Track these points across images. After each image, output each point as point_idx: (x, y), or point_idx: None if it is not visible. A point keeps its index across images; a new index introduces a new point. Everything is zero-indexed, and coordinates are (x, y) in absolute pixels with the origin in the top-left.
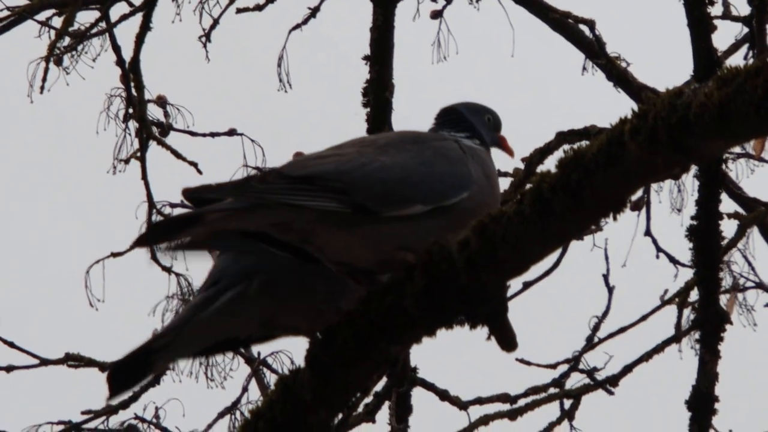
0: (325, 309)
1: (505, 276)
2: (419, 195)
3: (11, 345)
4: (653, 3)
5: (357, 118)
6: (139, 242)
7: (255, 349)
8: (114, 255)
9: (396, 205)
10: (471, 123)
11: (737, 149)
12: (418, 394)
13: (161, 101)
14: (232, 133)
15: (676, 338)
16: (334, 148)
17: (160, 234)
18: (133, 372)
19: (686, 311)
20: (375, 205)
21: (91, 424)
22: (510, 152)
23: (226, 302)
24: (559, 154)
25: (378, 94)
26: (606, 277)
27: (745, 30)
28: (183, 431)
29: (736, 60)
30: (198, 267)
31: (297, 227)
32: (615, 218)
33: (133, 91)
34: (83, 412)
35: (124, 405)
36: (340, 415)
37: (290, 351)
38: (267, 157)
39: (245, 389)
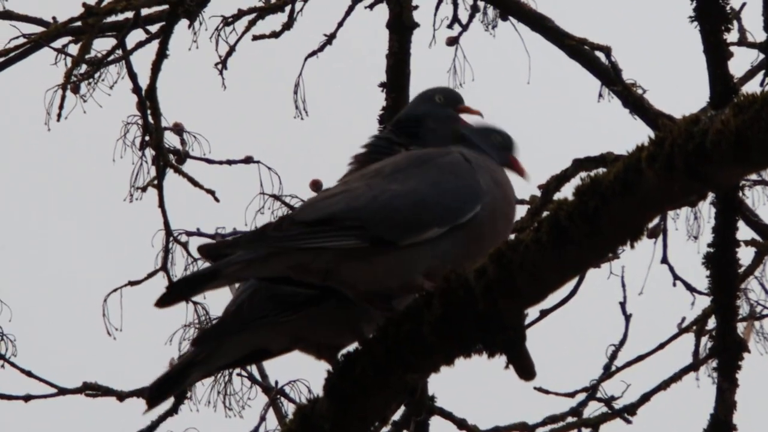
0: (353, 329)
1: (522, 304)
2: (434, 218)
3: (29, 374)
4: (669, 30)
5: None
6: (162, 302)
7: (273, 378)
8: (131, 283)
9: (412, 232)
10: (476, 145)
11: (754, 176)
12: (436, 423)
13: (178, 129)
14: (248, 160)
15: (693, 366)
16: (341, 184)
17: (181, 292)
18: (170, 384)
19: (704, 339)
20: (392, 236)
21: None
22: (521, 173)
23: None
24: (576, 181)
25: None
26: (623, 305)
27: (761, 56)
28: None
29: (753, 86)
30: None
31: (315, 267)
32: (632, 246)
33: (150, 118)
34: None
35: None
36: None
37: (308, 380)
38: (283, 185)
39: (263, 418)
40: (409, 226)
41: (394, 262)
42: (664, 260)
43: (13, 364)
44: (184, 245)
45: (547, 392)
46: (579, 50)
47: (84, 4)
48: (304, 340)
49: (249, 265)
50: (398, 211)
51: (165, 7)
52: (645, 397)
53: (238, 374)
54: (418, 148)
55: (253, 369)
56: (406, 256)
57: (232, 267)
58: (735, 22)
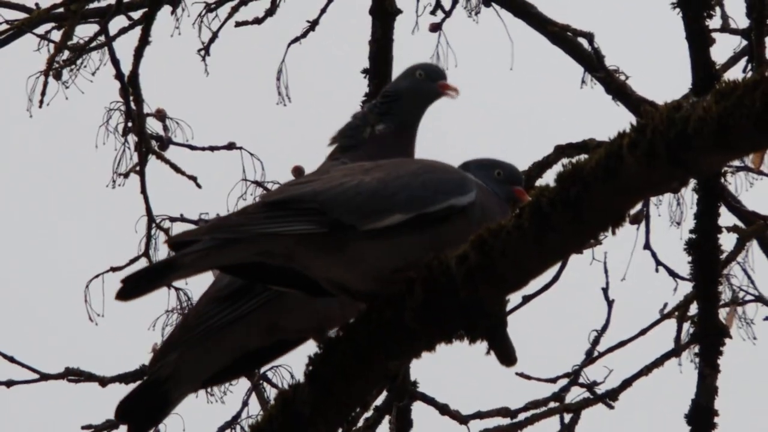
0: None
1: (504, 290)
2: (398, 203)
3: (11, 360)
4: (652, 16)
5: None
6: (120, 297)
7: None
8: (113, 269)
9: (373, 216)
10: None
11: (736, 162)
12: (418, 409)
13: (160, 115)
14: (231, 146)
15: (675, 352)
16: (320, 172)
17: (137, 287)
18: (149, 408)
19: (686, 325)
20: (351, 219)
21: None
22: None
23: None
24: (557, 167)
25: None
26: (605, 290)
27: (744, 43)
28: None
29: (735, 73)
30: (197, 282)
31: (279, 253)
32: (614, 232)
33: (132, 104)
34: (83, 427)
35: None
36: (340, 430)
37: (290, 365)
38: (266, 171)
39: (245, 404)
40: (369, 209)
41: (355, 253)
42: (647, 246)
43: None
44: (167, 231)
45: (529, 378)
46: (562, 36)
47: None
48: (280, 329)
49: (207, 253)
50: (359, 194)
51: None
52: (627, 383)
53: None
54: (388, 126)
55: None
56: (367, 247)
57: (190, 256)
58: (717, 9)
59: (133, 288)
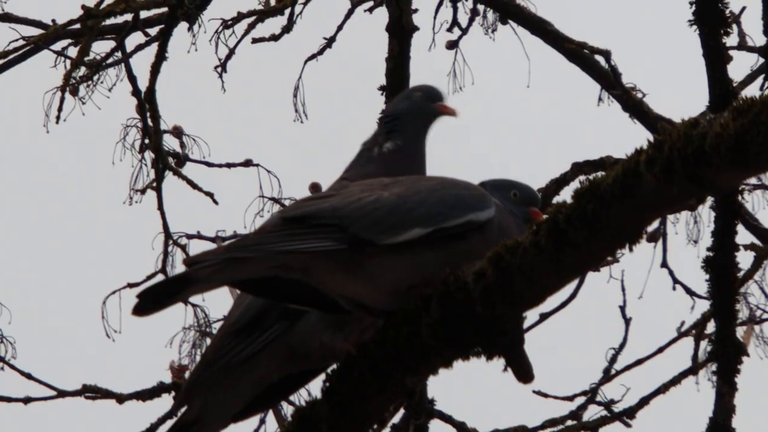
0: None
1: (521, 307)
2: (416, 218)
3: (28, 376)
4: (669, 34)
5: None
6: (136, 313)
7: None
8: (130, 286)
9: (392, 231)
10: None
11: (753, 180)
12: (435, 426)
13: (177, 131)
14: (248, 163)
15: (692, 370)
16: (340, 187)
17: (154, 302)
18: None
19: (703, 343)
20: (369, 234)
21: None
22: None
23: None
24: (575, 185)
25: None
26: (623, 308)
27: (761, 60)
28: None
29: (752, 90)
30: (215, 298)
31: (296, 268)
32: (631, 249)
33: (149, 121)
34: None
35: None
36: None
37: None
38: (283, 188)
39: (263, 421)
40: (387, 224)
41: (373, 268)
42: (664, 264)
43: (12, 367)
44: (184, 248)
45: (546, 395)
46: (578, 54)
47: (83, 7)
48: (301, 358)
49: (223, 268)
50: (378, 209)
51: (164, 9)
52: (644, 401)
53: None
54: (396, 143)
55: None
56: (385, 262)
57: (206, 270)
58: (734, 26)
59: (149, 303)
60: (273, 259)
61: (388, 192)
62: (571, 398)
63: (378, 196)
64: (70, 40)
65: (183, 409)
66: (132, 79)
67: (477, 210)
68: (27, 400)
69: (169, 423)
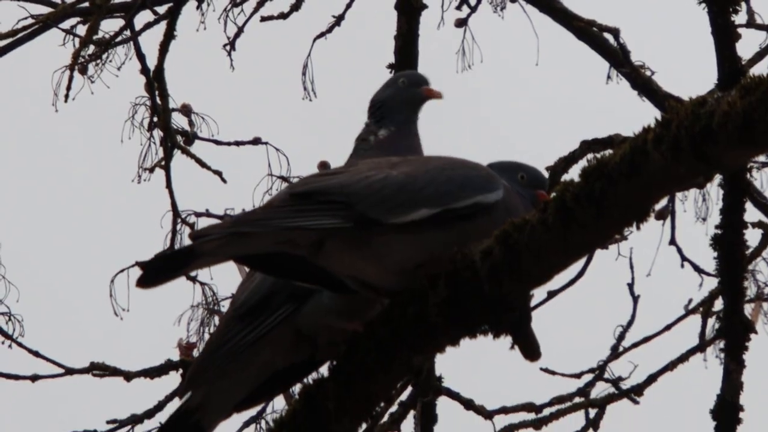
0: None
1: (528, 285)
2: (424, 198)
3: (36, 354)
4: (678, 12)
5: None
6: (141, 284)
7: None
8: (139, 264)
9: (399, 210)
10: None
11: (762, 158)
12: (443, 404)
13: (186, 110)
14: (256, 141)
15: (700, 347)
16: (349, 166)
17: (158, 275)
18: None
19: (711, 320)
20: (376, 213)
21: None
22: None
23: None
24: (583, 163)
25: None
26: (631, 286)
27: None
28: None
29: (761, 68)
30: (223, 276)
31: (302, 244)
32: (638, 227)
33: (158, 99)
34: (108, 422)
35: (150, 414)
36: (365, 425)
37: None
38: (292, 166)
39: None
40: (395, 203)
41: (380, 247)
42: (672, 242)
43: (20, 345)
44: (192, 226)
45: (554, 373)
46: (587, 32)
47: None
48: (307, 341)
49: (229, 241)
50: (386, 187)
51: None
52: (652, 378)
53: None
54: (389, 129)
55: None
56: (392, 241)
57: (212, 243)
58: (743, 4)
59: (153, 275)
60: (279, 234)
61: (396, 171)
62: (578, 375)
63: (387, 174)
64: (78, 19)
65: (187, 395)
66: (141, 57)
67: (486, 191)
68: (35, 378)
69: (176, 402)
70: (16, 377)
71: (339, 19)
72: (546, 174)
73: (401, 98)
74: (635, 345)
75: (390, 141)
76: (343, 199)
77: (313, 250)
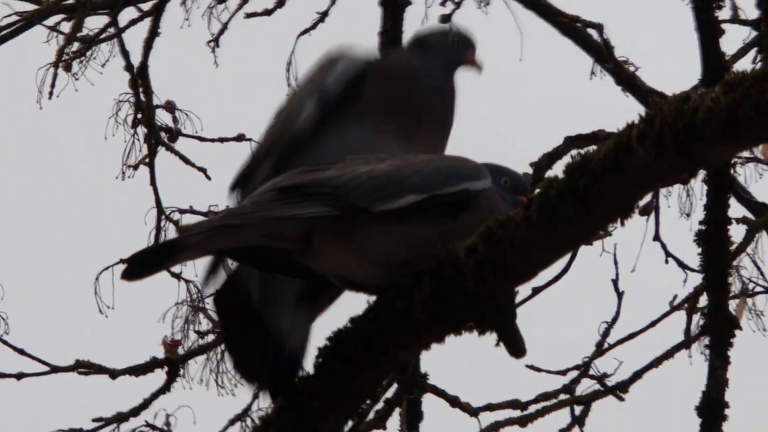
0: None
1: (513, 282)
2: (411, 186)
3: (21, 352)
4: (662, 7)
5: None
6: (125, 277)
7: None
8: (123, 261)
9: (386, 198)
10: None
11: (746, 153)
12: (428, 401)
13: (170, 106)
14: (241, 138)
15: (685, 344)
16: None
17: (142, 268)
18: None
19: (696, 317)
20: (364, 201)
21: None
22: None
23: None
24: (567, 159)
25: None
26: (615, 282)
27: (754, 34)
28: None
29: (745, 64)
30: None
31: (289, 236)
32: (623, 224)
33: (142, 96)
34: (94, 420)
35: (135, 412)
36: (350, 422)
37: None
38: None
39: (256, 396)
40: (382, 193)
41: (367, 238)
42: (657, 237)
43: (5, 342)
44: (176, 223)
45: (539, 370)
46: (571, 27)
47: None
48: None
49: (214, 234)
50: (373, 178)
51: None
52: (637, 375)
53: None
54: (424, 59)
55: None
56: (378, 232)
57: (196, 236)
58: None
59: (138, 268)
60: (267, 226)
61: (384, 165)
62: (563, 372)
63: (373, 167)
64: (63, 16)
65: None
66: (125, 54)
67: (472, 179)
68: (20, 376)
69: (162, 400)
70: (1, 375)
71: (323, 16)
72: (530, 177)
73: (444, 52)
74: (620, 341)
75: (424, 64)
76: (331, 191)
77: (300, 245)
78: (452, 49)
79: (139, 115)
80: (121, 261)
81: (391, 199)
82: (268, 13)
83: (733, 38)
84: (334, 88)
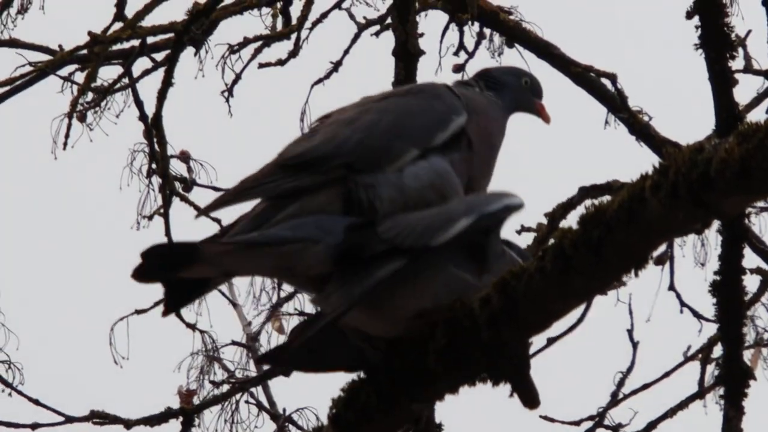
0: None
1: (527, 332)
2: (459, 212)
3: (36, 402)
4: (675, 57)
5: None
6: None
7: (280, 405)
8: (138, 312)
9: (441, 230)
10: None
11: (760, 203)
12: None
13: (184, 156)
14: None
15: (700, 394)
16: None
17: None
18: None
19: (710, 367)
20: (422, 241)
21: None
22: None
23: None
24: (581, 209)
25: None
26: (630, 332)
27: (767, 84)
28: None
29: (758, 114)
30: (222, 323)
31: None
32: (637, 274)
33: (156, 146)
34: None
35: None
36: None
37: (315, 407)
38: None
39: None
40: (435, 227)
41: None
42: (671, 287)
43: (20, 393)
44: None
45: (553, 420)
46: (585, 77)
47: (90, 33)
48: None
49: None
50: (422, 219)
51: (171, 35)
52: (652, 425)
53: (246, 402)
54: (496, 98)
55: (261, 396)
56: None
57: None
58: (740, 50)
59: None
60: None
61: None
62: (578, 423)
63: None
64: (77, 66)
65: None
66: (139, 104)
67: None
68: (35, 426)
69: None
70: (17, 425)
71: (337, 65)
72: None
73: (516, 92)
74: (635, 391)
75: (490, 107)
76: (388, 244)
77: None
78: (523, 92)
79: (154, 166)
80: (137, 312)
81: (446, 229)
82: (281, 63)
83: (746, 88)
84: (438, 142)
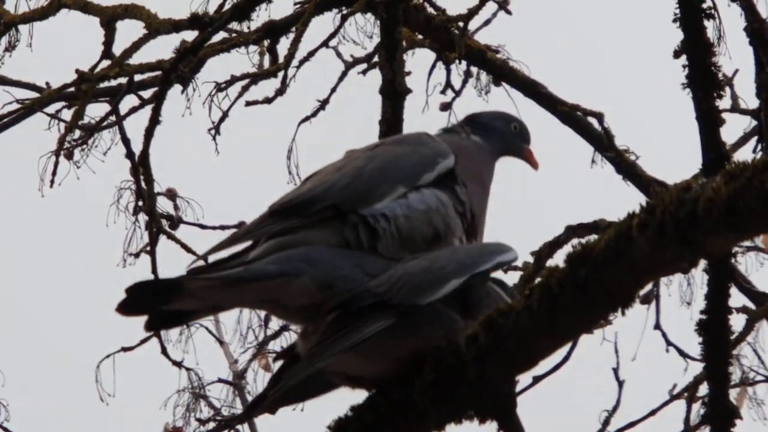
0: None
1: (514, 370)
2: (450, 272)
3: None
4: (662, 96)
5: None
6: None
7: None
8: (124, 349)
9: (429, 289)
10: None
11: (747, 243)
12: None
13: (171, 194)
14: (241, 225)
15: None
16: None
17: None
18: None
19: (696, 405)
20: (411, 299)
21: None
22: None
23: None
24: (568, 248)
25: None
26: (616, 370)
27: (754, 123)
28: None
29: (745, 153)
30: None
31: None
32: (623, 313)
33: (143, 184)
34: None
35: None
36: None
37: None
38: None
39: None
40: (425, 286)
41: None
42: (657, 326)
43: (6, 429)
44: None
45: None
46: (572, 116)
47: (77, 70)
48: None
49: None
50: (412, 276)
51: (158, 73)
52: None
53: None
54: (482, 142)
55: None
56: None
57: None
58: (727, 89)
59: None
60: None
61: (414, 262)
62: None
63: (405, 268)
64: (64, 103)
65: None
66: (126, 142)
67: (502, 253)
68: None
69: None
70: None
71: (324, 103)
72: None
73: (505, 137)
74: (621, 430)
75: (477, 151)
76: (376, 299)
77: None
78: (512, 137)
79: (141, 203)
80: (123, 349)
81: (436, 289)
82: (268, 101)
83: (733, 127)
84: (425, 182)
